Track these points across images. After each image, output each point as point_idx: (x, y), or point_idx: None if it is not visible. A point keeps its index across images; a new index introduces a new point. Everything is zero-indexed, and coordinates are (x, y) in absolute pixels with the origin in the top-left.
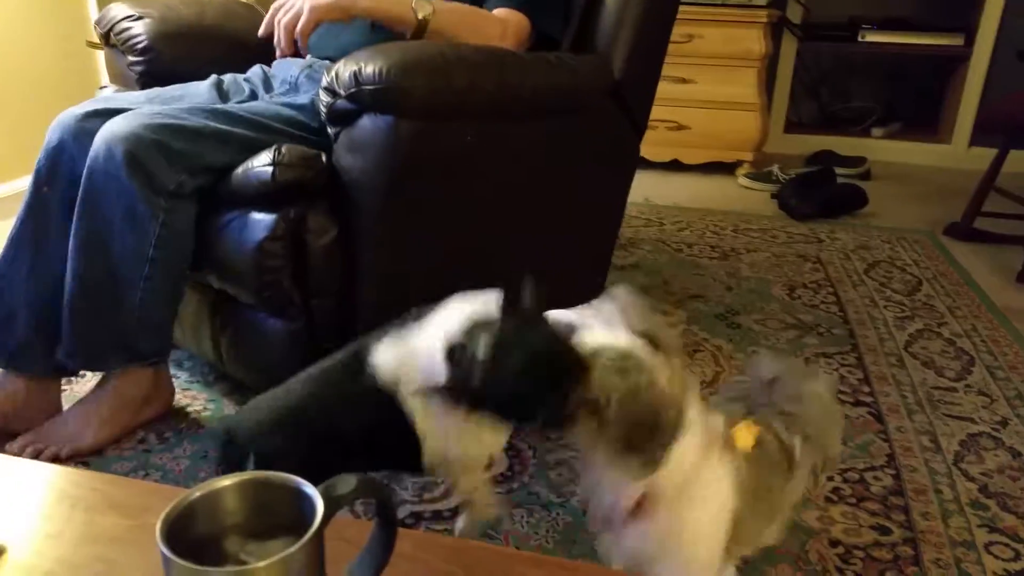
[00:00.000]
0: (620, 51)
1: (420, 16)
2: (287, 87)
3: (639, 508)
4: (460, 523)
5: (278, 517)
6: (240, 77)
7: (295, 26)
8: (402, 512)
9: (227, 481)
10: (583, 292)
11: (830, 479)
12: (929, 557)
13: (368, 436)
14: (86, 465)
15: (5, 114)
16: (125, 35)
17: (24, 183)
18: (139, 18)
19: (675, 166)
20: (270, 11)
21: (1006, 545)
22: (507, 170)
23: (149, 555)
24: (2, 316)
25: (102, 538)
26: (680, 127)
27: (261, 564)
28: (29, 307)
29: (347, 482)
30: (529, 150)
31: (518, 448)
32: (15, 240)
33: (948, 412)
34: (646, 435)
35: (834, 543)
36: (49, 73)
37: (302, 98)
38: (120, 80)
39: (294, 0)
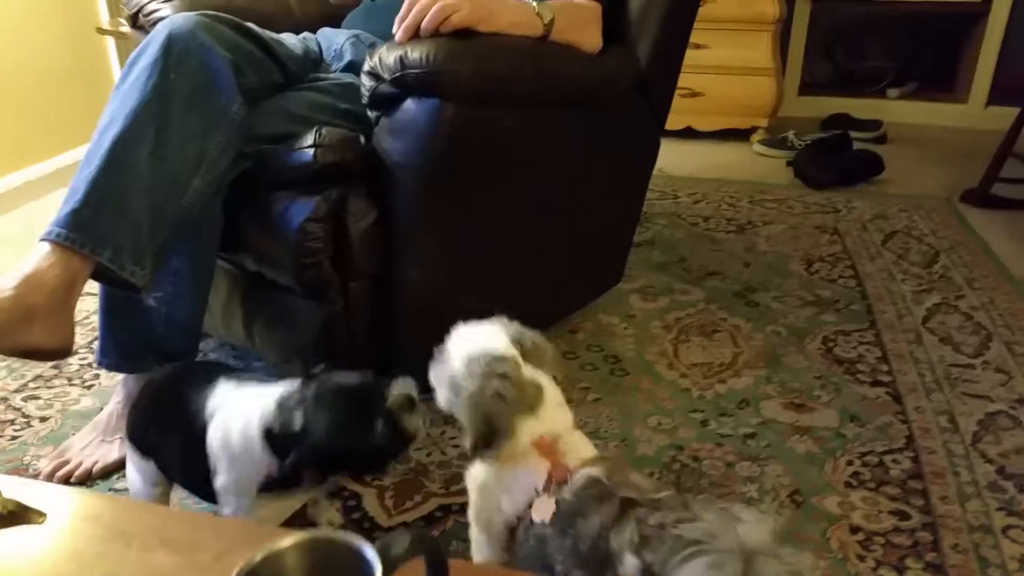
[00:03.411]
0: (645, 44)
1: (545, 22)
2: (333, 54)
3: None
4: None
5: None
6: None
7: (434, 29)
8: (430, 505)
9: (289, 541)
10: (605, 278)
11: (849, 463)
12: (948, 543)
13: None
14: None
15: (13, 102)
16: (155, 16)
17: (31, 171)
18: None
19: (689, 133)
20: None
21: (1023, 529)
22: (541, 157)
23: None
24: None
25: None
26: (694, 94)
27: None
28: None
29: (401, 542)
30: (562, 139)
31: None
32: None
33: (966, 391)
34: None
35: (854, 529)
36: (57, 61)
37: (347, 77)
38: None
39: (443, 6)
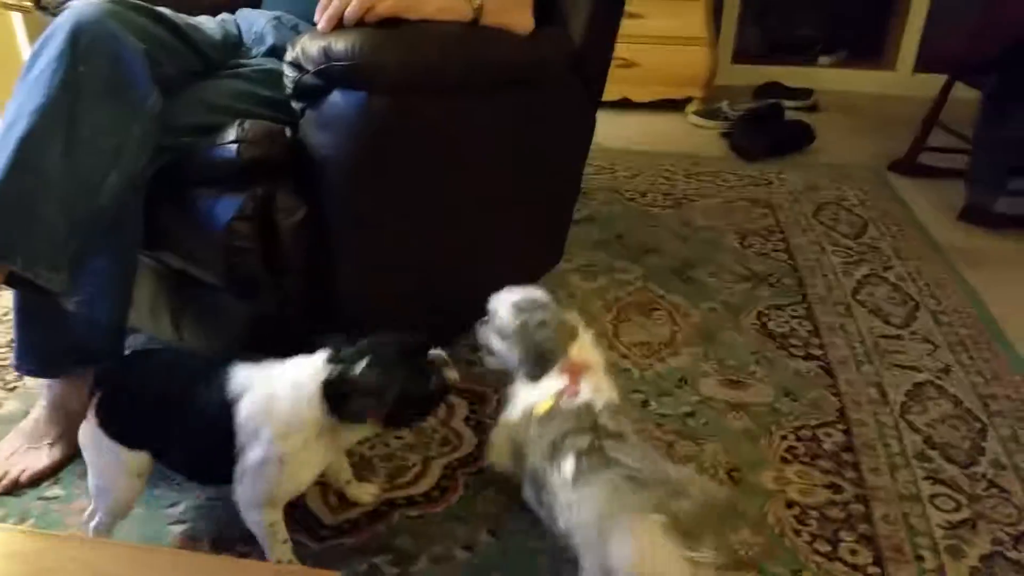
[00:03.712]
0: (578, 23)
1: (475, 6)
2: (254, 37)
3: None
4: None
5: None
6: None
7: (358, 19)
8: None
9: None
10: (545, 259)
11: (784, 438)
12: (879, 514)
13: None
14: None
15: None
16: None
17: None
18: None
19: (625, 104)
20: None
21: (948, 496)
22: (475, 144)
23: None
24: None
25: None
26: (629, 64)
27: None
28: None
29: None
30: (496, 124)
31: (486, 426)
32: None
33: (894, 362)
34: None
35: (790, 504)
36: None
37: (269, 63)
38: None
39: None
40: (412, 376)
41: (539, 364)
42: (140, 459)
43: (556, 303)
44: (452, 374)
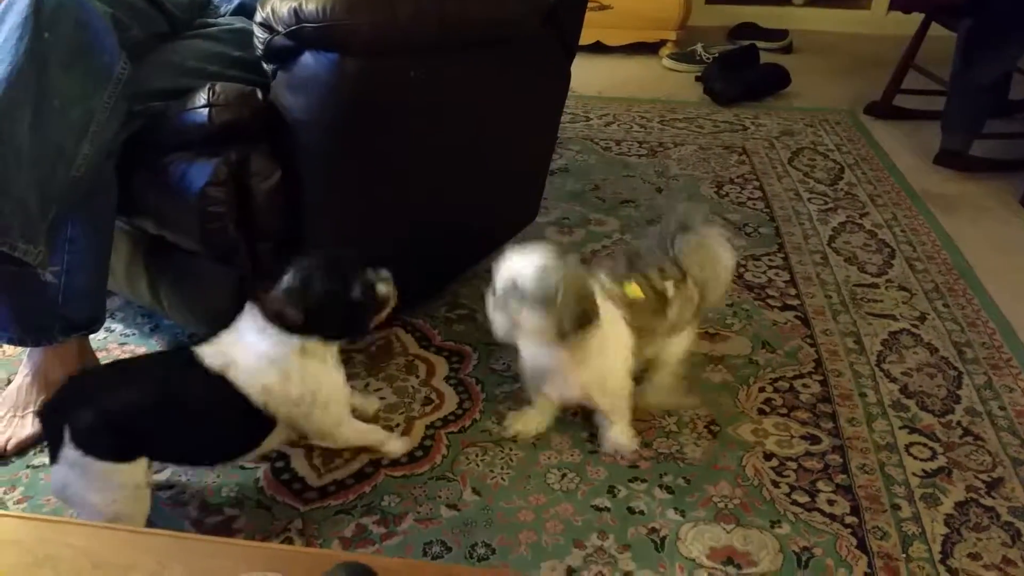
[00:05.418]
0: None
1: None
2: None
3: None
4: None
5: None
6: None
7: None
8: (360, 461)
9: None
10: (522, 214)
11: (762, 390)
12: (856, 463)
13: (181, 426)
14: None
15: None
16: None
17: None
18: None
19: (599, 48)
20: None
21: (924, 445)
22: (450, 103)
23: None
24: None
25: None
26: (602, 7)
27: None
28: None
29: None
30: (471, 82)
31: (466, 384)
32: None
33: (871, 311)
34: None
35: (768, 456)
36: None
37: (239, 22)
38: None
39: None
40: (333, 282)
41: (583, 319)
42: (139, 468)
43: (562, 256)
44: (385, 287)
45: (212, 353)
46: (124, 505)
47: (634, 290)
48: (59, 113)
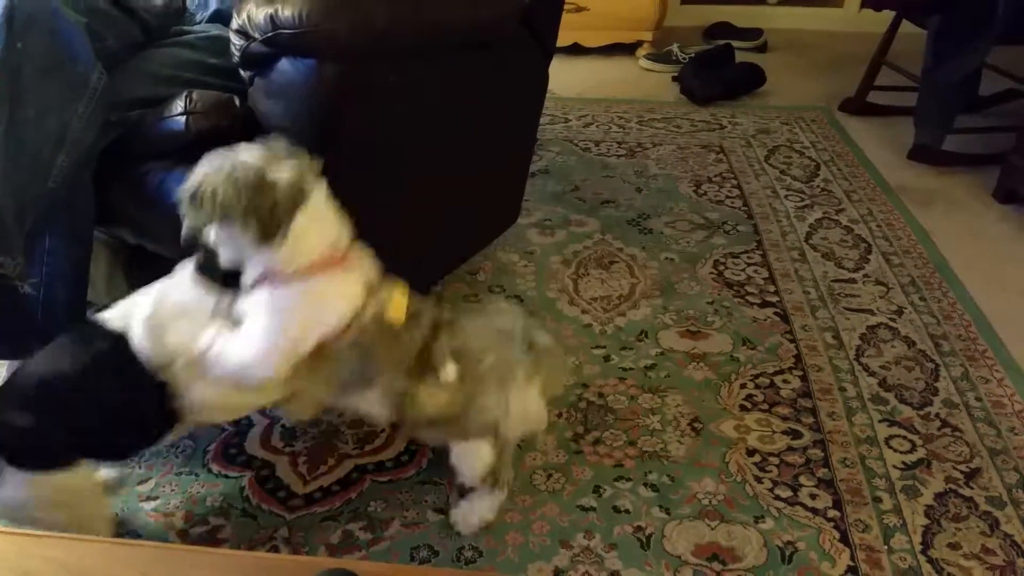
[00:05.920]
0: None
1: None
2: (197, 2)
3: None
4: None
5: None
6: None
7: None
8: (346, 468)
9: None
10: (503, 216)
11: (743, 387)
12: (837, 457)
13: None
14: None
15: None
16: None
17: None
18: None
19: (576, 50)
20: None
21: (904, 438)
22: (429, 107)
23: None
24: None
25: None
26: (579, 8)
27: None
28: None
29: None
30: (450, 85)
31: None
32: None
33: (848, 306)
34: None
35: (751, 452)
36: None
37: (215, 29)
38: None
39: None
40: None
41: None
42: (85, 473)
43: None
44: None
45: (111, 316)
46: (83, 512)
47: (399, 306)
48: (34, 123)
